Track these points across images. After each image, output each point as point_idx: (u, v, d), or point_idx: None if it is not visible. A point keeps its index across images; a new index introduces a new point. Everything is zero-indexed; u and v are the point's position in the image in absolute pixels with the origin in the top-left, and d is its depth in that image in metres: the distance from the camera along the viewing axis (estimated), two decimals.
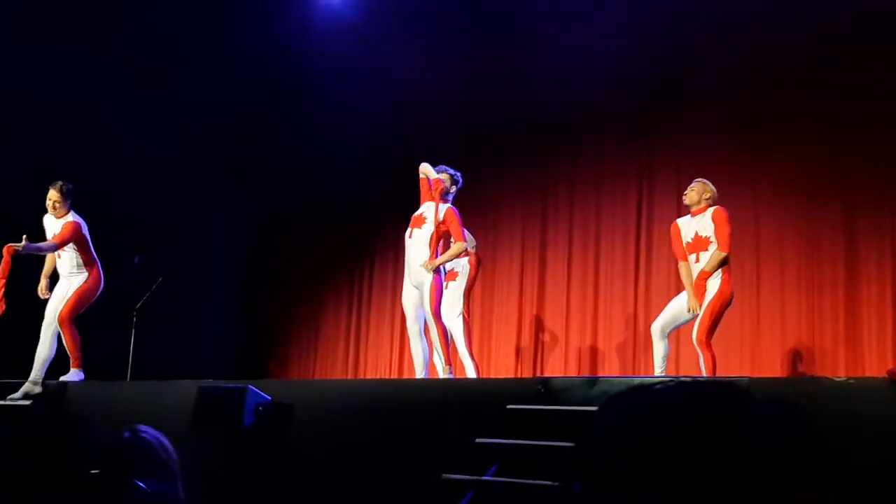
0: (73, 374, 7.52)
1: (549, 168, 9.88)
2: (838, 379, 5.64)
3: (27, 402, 7.13)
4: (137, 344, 8.63)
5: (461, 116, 10.26)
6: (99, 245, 7.71)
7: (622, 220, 9.39)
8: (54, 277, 7.70)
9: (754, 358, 8.44)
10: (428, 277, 6.85)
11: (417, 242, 6.97)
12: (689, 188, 6.78)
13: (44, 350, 7.47)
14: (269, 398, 6.38)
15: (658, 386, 0.96)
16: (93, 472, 2.51)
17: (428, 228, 6.96)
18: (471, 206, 8.78)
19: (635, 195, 9.37)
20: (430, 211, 7.01)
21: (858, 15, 8.36)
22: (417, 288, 6.94)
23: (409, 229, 7.09)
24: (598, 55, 9.46)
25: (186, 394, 6.48)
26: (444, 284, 7.22)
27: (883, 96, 8.21)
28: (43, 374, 7.46)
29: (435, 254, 6.94)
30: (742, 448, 0.88)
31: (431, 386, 6.77)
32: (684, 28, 9.24)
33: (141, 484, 2.46)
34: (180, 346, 9.83)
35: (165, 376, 7.82)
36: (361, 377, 10.36)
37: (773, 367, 8.30)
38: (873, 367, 7.85)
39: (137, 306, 8.74)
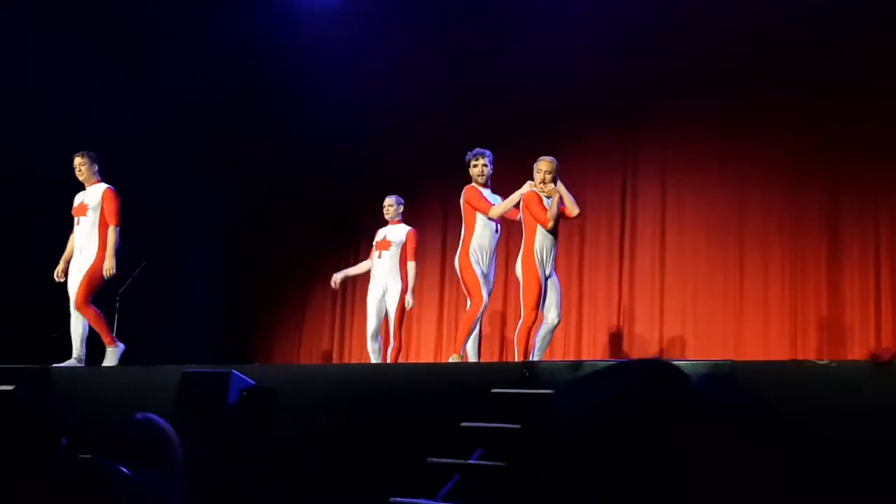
0: (112, 353, 7.69)
1: (534, 153, 9.85)
2: (821, 362, 5.68)
3: (9, 388, 7.08)
4: (121, 329, 8.59)
5: (443, 105, 10.23)
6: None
7: (607, 205, 9.40)
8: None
9: (738, 342, 8.48)
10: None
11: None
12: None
13: (78, 327, 7.68)
14: (254, 382, 6.37)
15: (602, 370, 1.00)
16: (83, 457, 2.49)
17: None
18: (454, 193, 8.76)
19: (620, 180, 9.39)
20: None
21: (847, 8, 8.37)
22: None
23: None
24: (584, 40, 9.44)
25: (170, 379, 6.46)
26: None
27: (868, 86, 8.23)
28: (84, 350, 7.70)
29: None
30: (686, 425, 0.90)
31: (416, 370, 6.79)
32: (671, 14, 9.23)
33: (125, 470, 2.45)
34: (165, 331, 9.79)
35: (150, 362, 7.80)
36: (346, 362, 10.35)
37: (756, 350, 8.34)
38: (855, 351, 7.92)
39: (120, 291, 8.68)
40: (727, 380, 0.98)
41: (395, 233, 8.09)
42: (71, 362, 7.63)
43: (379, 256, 8.05)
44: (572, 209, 7.04)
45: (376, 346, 7.94)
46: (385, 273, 7.98)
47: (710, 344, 8.57)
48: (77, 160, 7.86)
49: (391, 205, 8.21)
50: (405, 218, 8.31)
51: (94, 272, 7.63)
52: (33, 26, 9.26)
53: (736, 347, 8.43)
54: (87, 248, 7.70)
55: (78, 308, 7.63)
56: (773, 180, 8.61)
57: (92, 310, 7.66)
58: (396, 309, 7.88)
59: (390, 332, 7.92)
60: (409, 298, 7.89)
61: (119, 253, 7.75)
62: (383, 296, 7.96)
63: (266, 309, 11.21)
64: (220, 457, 6.14)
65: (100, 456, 2.53)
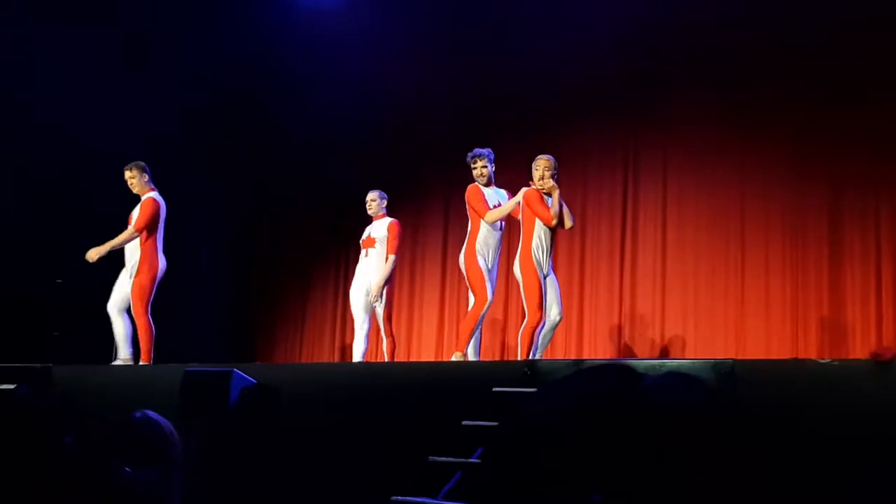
0: None
1: (534, 153, 9.85)
2: (822, 361, 5.68)
3: (10, 386, 7.08)
4: None
5: (444, 102, 10.23)
6: (83, 233, 7.69)
7: (608, 205, 9.40)
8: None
9: (739, 340, 8.49)
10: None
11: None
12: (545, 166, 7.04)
13: (120, 328, 7.62)
14: (255, 381, 6.37)
15: (573, 372, 1.13)
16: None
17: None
18: (456, 193, 8.78)
19: (621, 180, 9.38)
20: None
21: (847, 7, 8.35)
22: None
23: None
24: (585, 37, 9.44)
25: (172, 377, 6.46)
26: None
27: (869, 81, 8.23)
28: (131, 350, 7.62)
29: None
30: (643, 419, 1.03)
31: (417, 369, 6.79)
32: (671, 13, 9.22)
33: (127, 469, 2.45)
34: (165, 331, 9.78)
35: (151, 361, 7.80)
36: (348, 361, 10.35)
37: (757, 349, 8.35)
38: (857, 350, 7.91)
39: None
40: (682, 378, 1.11)
41: (379, 228, 7.93)
42: (118, 363, 7.62)
43: (366, 255, 7.92)
44: (567, 221, 7.03)
45: (364, 336, 7.73)
46: (372, 272, 7.80)
47: (711, 343, 8.58)
48: (126, 174, 7.70)
49: (374, 199, 8.05)
50: (407, 218, 8.26)
51: (140, 282, 7.57)
52: (33, 26, 9.26)
53: (737, 346, 8.43)
54: (131, 260, 7.64)
55: (134, 314, 7.61)
56: (774, 179, 8.61)
57: (145, 321, 7.60)
58: (385, 308, 7.76)
59: (381, 332, 7.79)
60: (374, 292, 7.67)
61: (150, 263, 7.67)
62: (367, 295, 7.78)
63: (267, 308, 11.22)
64: (221, 456, 6.15)
65: (101, 455, 2.53)
